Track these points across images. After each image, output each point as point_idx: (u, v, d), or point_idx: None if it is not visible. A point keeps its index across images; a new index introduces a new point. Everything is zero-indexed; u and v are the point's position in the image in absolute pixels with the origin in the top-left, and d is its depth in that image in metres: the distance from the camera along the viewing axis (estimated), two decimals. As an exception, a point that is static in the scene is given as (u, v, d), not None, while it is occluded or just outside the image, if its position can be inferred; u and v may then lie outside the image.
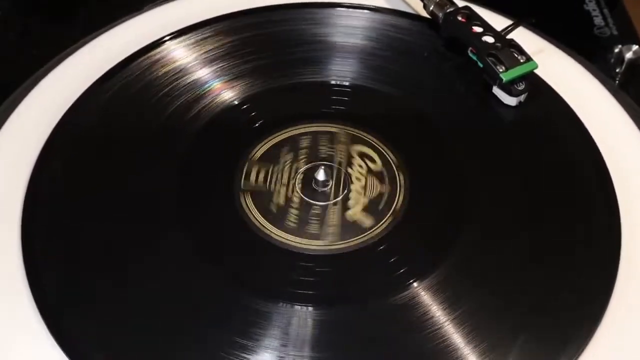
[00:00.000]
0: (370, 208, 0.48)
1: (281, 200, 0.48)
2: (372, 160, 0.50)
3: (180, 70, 0.54)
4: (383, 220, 0.47)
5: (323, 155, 0.51)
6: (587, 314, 0.43)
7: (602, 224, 0.47)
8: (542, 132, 0.52)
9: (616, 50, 0.59)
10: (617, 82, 0.58)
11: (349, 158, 0.50)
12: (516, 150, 0.51)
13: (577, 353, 0.41)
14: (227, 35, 0.57)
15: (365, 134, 0.52)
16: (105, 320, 0.42)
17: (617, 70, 0.59)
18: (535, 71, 0.52)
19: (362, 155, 0.51)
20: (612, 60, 0.59)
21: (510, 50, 0.52)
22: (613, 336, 0.42)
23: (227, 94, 0.54)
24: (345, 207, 0.48)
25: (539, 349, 0.42)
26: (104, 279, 0.44)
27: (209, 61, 0.55)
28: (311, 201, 0.48)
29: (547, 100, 0.53)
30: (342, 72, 0.55)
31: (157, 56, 0.55)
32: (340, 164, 0.50)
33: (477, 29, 0.54)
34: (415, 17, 0.58)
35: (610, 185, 0.48)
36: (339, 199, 0.48)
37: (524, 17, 0.56)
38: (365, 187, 0.49)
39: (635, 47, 0.59)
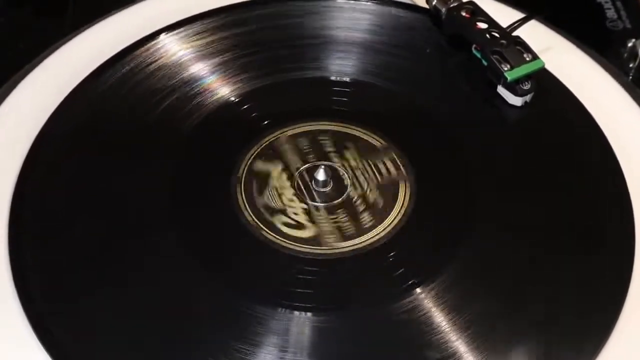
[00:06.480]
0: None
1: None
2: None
3: (175, 65, 0.54)
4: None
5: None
6: (597, 322, 0.42)
7: (614, 226, 0.46)
8: (552, 130, 0.51)
9: (629, 44, 0.59)
10: (630, 77, 0.58)
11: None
12: (524, 149, 0.50)
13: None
14: (223, 29, 0.56)
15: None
16: (98, 324, 0.42)
17: (631, 65, 0.58)
18: (545, 66, 0.51)
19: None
20: (625, 55, 0.59)
21: (516, 48, 0.51)
22: (625, 346, 0.41)
23: (223, 90, 0.53)
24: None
25: (546, 356, 0.41)
26: (96, 282, 0.43)
27: (205, 56, 0.55)
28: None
29: (557, 96, 0.52)
30: (342, 67, 0.55)
31: (151, 51, 0.54)
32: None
33: (482, 25, 0.53)
34: (417, 11, 0.57)
35: (623, 185, 0.47)
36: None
37: (533, 11, 0.55)
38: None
39: (649, 41, 0.59)
